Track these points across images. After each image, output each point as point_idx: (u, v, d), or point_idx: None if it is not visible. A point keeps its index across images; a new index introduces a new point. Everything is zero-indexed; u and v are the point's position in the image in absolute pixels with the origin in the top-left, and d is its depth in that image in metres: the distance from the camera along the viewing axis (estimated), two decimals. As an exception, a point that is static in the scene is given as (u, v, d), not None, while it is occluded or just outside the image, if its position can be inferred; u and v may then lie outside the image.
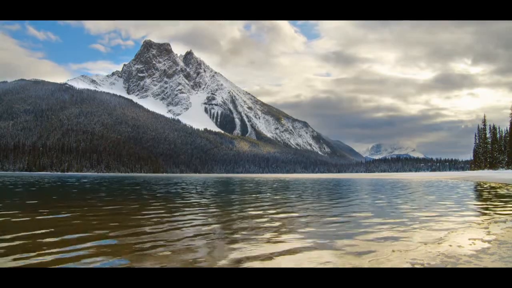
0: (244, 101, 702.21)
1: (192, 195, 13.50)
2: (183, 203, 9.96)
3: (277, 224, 5.92)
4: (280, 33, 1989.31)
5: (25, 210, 7.80)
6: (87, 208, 8.57)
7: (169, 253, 3.86)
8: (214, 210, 8.16)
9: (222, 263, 3.50)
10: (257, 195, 13.43)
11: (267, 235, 4.92)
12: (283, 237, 4.78)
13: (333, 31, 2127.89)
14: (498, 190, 16.92)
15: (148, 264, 3.46)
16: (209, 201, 10.74)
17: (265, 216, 6.99)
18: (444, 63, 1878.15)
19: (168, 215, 7.10)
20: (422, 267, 3.30)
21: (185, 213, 7.47)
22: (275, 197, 12.15)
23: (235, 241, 4.53)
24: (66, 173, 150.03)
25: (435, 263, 3.45)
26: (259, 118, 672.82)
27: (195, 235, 4.85)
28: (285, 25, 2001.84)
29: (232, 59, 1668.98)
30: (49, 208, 8.39)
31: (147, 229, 5.37)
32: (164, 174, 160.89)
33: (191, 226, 5.67)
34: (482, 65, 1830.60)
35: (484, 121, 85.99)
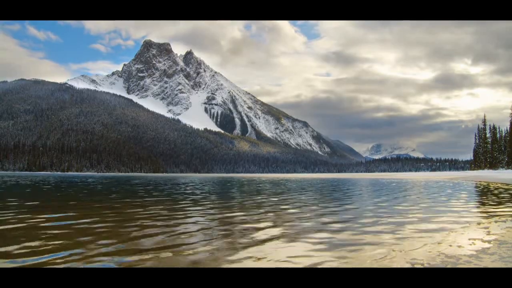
0: (244, 101, 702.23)
1: (223, 196, 13.01)
2: (226, 205, 9.32)
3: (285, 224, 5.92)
4: (280, 33, 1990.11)
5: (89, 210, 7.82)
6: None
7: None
8: (270, 212, 7.69)
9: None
10: (285, 195, 13.36)
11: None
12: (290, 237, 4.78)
13: (333, 31, 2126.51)
14: (498, 190, 16.91)
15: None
16: (250, 202, 10.36)
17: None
18: (444, 63, 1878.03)
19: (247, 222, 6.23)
20: (422, 267, 3.30)
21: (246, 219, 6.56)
22: (298, 198, 12.16)
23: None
24: (66, 173, 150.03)
25: (435, 263, 3.45)
26: (259, 118, 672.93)
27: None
28: (285, 25, 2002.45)
29: (232, 59, 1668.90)
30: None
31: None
32: (165, 174, 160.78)
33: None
34: (482, 65, 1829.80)
35: (484, 121, 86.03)
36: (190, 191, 15.72)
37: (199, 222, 6.11)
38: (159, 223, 5.90)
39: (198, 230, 5.28)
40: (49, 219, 6.29)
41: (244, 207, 8.75)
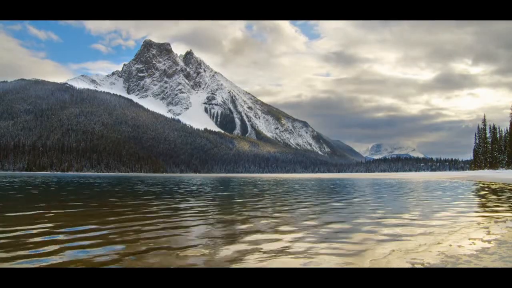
0: (244, 101, 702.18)
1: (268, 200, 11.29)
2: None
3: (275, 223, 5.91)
4: (281, 33, 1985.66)
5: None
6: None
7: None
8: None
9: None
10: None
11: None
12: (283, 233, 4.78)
13: (333, 31, 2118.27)
14: (498, 190, 16.91)
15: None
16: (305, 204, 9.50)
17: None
18: (445, 63, 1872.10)
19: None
20: (422, 267, 3.31)
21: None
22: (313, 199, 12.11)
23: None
24: (66, 173, 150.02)
25: (435, 263, 3.46)
26: (259, 118, 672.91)
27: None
28: (286, 25, 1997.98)
29: (234, 59, 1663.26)
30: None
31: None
32: (166, 174, 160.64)
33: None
34: (482, 65, 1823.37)
35: (484, 121, 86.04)
36: (227, 193, 14.57)
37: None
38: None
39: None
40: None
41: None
